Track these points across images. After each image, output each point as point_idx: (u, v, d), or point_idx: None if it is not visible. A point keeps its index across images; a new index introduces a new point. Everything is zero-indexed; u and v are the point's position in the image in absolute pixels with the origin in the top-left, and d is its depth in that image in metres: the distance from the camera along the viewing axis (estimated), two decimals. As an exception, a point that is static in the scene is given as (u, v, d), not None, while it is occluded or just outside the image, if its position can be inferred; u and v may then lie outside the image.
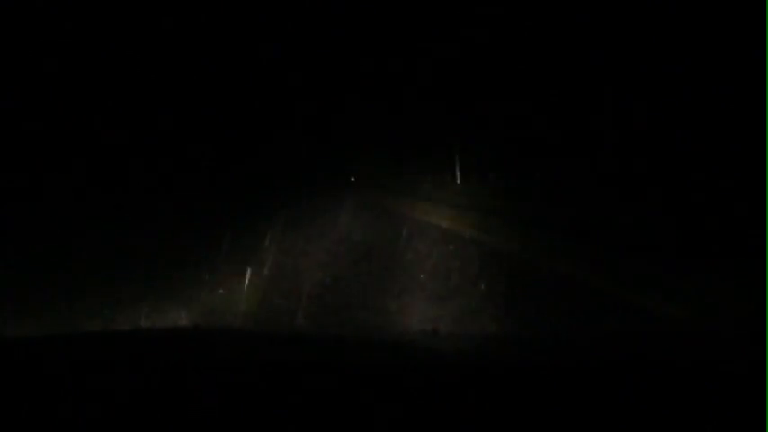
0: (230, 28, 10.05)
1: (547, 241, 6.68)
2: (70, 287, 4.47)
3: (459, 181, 12.47)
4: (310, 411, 1.20)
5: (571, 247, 6.03)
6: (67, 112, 7.99)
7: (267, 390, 1.32)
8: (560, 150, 7.80)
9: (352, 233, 8.01)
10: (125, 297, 4.10)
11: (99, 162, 8.27)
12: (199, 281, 4.77)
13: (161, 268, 5.08)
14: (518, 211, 8.39)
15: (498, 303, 4.10)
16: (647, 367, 1.42)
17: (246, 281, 4.87)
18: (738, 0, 4.60)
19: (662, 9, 5.56)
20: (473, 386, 1.33)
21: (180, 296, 4.25)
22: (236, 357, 1.61)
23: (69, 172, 7.81)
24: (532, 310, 3.83)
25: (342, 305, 4.16)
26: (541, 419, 1.17)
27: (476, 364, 1.59)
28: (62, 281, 4.66)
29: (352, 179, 18.31)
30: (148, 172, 9.03)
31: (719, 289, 3.65)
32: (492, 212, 9.06)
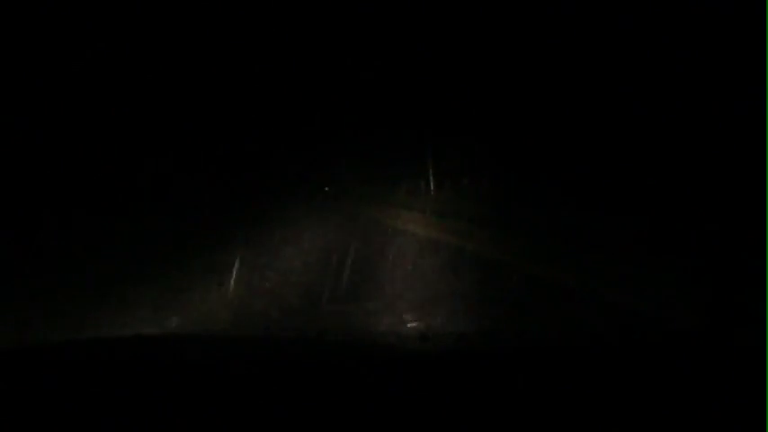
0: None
1: (521, 244, 6.77)
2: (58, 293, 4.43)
3: (432, 188, 12.57)
4: (302, 414, 1.21)
5: (545, 249, 6.12)
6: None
7: (255, 395, 1.32)
8: (534, 155, 7.92)
9: (328, 241, 7.99)
10: (111, 302, 4.08)
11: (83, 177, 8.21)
12: (178, 287, 4.74)
13: (142, 274, 5.06)
14: (492, 216, 8.49)
15: (475, 305, 4.14)
16: (633, 363, 1.45)
17: (225, 287, 4.85)
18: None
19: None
20: (460, 385, 1.35)
21: (158, 302, 4.22)
22: (220, 363, 1.60)
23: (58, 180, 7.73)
24: (509, 312, 3.88)
25: (321, 310, 4.17)
26: (530, 416, 1.19)
27: (462, 363, 1.61)
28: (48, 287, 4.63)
29: (326, 189, 18.28)
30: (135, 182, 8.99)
31: (698, 288, 3.73)
32: (466, 218, 9.16)
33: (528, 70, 7.78)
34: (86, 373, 1.46)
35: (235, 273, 5.11)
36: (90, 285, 4.75)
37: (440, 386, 1.35)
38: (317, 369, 1.48)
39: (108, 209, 7.86)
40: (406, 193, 12.86)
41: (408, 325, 3.76)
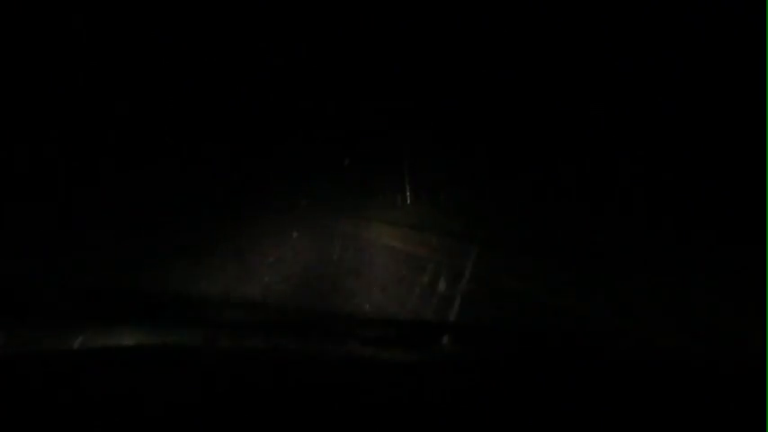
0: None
1: (497, 258, 6.83)
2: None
3: (409, 201, 12.63)
4: (297, 411, 1.21)
5: (520, 263, 6.17)
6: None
7: (231, 407, 1.31)
8: (511, 169, 8.00)
9: (303, 255, 7.96)
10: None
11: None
12: (153, 299, 4.68)
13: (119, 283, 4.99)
14: (468, 230, 8.54)
15: (451, 318, 4.15)
16: (613, 381, 1.46)
17: (195, 302, 4.80)
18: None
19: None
20: (436, 395, 1.35)
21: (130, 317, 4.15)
22: (195, 375, 1.59)
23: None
24: (484, 325, 3.89)
25: (294, 324, 4.14)
26: (508, 425, 1.20)
27: (436, 373, 1.61)
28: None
29: (305, 202, 18.27)
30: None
31: (683, 306, 3.76)
32: (442, 231, 9.21)
33: (507, 84, 7.88)
34: (54, 388, 1.44)
35: (205, 288, 5.07)
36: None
37: (415, 397, 1.36)
38: (292, 380, 1.48)
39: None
40: (383, 206, 12.90)
41: (380, 336, 3.75)
